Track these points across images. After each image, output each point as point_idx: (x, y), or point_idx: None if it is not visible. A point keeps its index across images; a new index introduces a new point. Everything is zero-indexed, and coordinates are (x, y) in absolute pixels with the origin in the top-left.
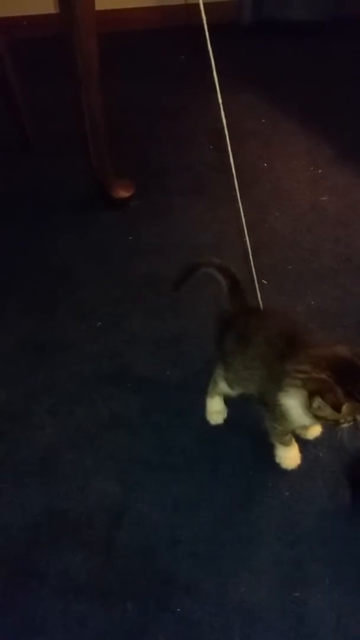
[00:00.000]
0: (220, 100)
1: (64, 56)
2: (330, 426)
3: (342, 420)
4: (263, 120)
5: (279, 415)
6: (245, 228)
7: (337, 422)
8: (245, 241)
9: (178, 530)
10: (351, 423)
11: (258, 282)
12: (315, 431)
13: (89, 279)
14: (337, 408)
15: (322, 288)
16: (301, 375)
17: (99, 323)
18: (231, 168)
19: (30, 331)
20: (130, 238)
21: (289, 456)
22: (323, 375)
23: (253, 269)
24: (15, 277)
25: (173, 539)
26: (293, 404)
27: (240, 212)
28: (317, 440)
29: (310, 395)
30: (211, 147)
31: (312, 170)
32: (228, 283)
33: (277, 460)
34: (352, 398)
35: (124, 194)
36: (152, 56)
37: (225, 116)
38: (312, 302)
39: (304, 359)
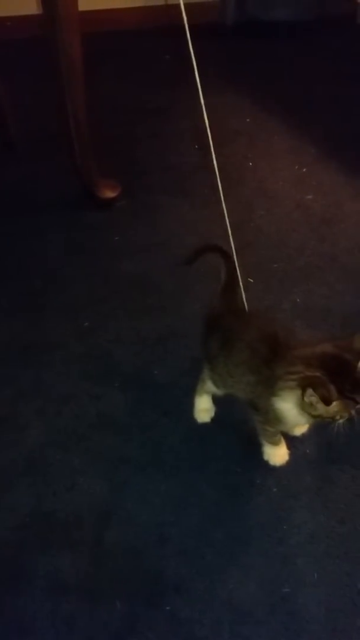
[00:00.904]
0: (202, 101)
1: (47, 57)
2: (327, 423)
3: (337, 417)
4: (247, 120)
5: (273, 418)
6: (229, 228)
7: (333, 419)
8: (230, 240)
9: (167, 529)
10: (346, 418)
11: (244, 281)
12: (302, 428)
13: (75, 279)
14: (327, 402)
15: (308, 286)
16: (294, 376)
17: (86, 323)
18: (215, 168)
19: (17, 331)
20: (117, 238)
21: (277, 453)
22: (317, 373)
23: (237, 268)
24: (2, 278)
25: (162, 537)
26: (288, 406)
27: (224, 212)
28: (304, 436)
29: (303, 390)
30: (196, 146)
31: (297, 169)
32: (226, 279)
33: (265, 457)
34: (343, 395)
35: (109, 194)
36: (137, 56)
37: (210, 116)
38: (298, 300)
39: (294, 360)
